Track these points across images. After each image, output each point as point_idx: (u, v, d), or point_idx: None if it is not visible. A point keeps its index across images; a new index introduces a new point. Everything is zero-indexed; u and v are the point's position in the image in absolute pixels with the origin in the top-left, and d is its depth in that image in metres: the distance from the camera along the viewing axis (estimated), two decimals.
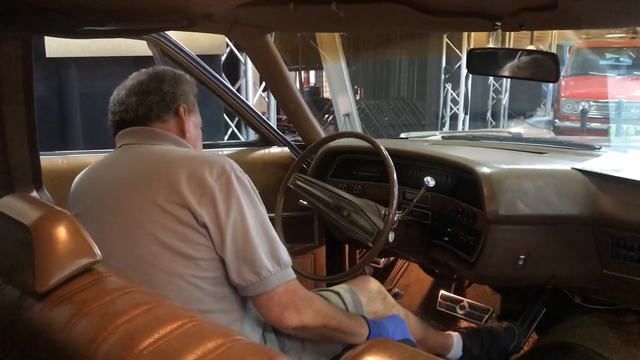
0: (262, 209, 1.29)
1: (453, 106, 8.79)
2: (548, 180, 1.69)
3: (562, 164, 1.79)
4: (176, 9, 1.40)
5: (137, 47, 3.16)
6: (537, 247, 1.68)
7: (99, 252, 1.05)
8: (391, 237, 1.71)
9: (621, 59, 9.97)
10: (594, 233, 1.69)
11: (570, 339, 1.95)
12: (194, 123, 1.46)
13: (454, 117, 8.84)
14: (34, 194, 1.61)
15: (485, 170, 1.67)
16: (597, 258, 1.72)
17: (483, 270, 1.71)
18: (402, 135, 2.74)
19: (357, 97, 9.92)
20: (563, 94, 8.82)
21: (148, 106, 1.37)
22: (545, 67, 1.38)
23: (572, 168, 1.73)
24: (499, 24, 1.36)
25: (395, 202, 1.62)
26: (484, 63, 1.59)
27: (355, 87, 9.98)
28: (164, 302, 0.94)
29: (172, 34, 2.21)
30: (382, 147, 1.73)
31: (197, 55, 2.37)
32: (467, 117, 8.88)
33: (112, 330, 0.87)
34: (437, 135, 2.58)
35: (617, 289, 1.77)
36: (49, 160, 2.00)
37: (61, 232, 1.01)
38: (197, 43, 3.09)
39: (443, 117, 8.79)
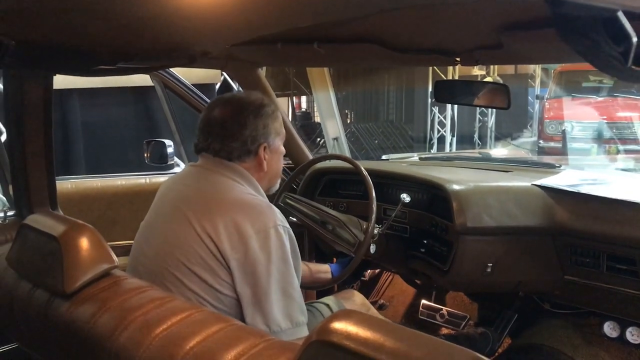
0: (292, 267, 1.38)
1: (440, 129, 9.06)
2: (510, 195, 1.88)
3: (524, 180, 1.98)
4: (178, 48, 1.59)
5: (137, 78, 3.37)
6: (503, 256, 1.87)
7: (116, 259, 1.23)
8: (372, 248, 1.90)
9: (604, 81, 10.25)
10: (553, 242, 1.88)
11: (539, 341, 2.13)
12: (276, 155, 1.54)
13: (442, 140, 9.10)
14: None
15: (455, 187, 1.87)
16: (558, 265, 1.90)
17: (456, 277, 1.89)
18: (384, 157, 2.94)
19: (348, 121, 10.17)
20: (546, 116, 9.10)
21: (229, 151, 1.46)
22: (499, 96, 1.59)
23: (532, 184, 1.93)
24: (458, 59, 1.57)
25: (374, 216, 1.81)
26: (448, 93, 1.81)
27: (346, 111, 10.25)
28: (175, 298, 1.12)
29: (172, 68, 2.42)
30: (362, 168, 1.92)
31: (194, 85, 2.58)
32: (454, 139, 9.14)
33: (131, 321, 1.05)
34: (414, 157, 2.79)
35: (579, 294, 1.95)
36: (59, 184, 2.18)
37: (85, 242, 1.19)
38: (193, 74, 3.30)
39: (431, 140, 9.05)
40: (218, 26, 1.28)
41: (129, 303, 1.11)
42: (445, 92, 1.81)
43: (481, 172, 2.22)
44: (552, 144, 8.82)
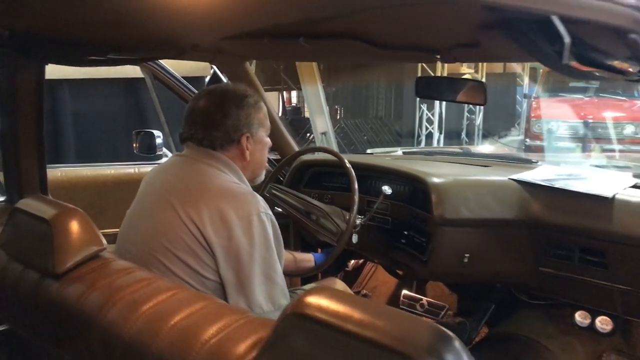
0: (274, 252, 1.44)
1: (428, 126, 9.15)
2: (488, 188, 1.95)
3: (501, 175, 2.05)
4: (168, 41, 1.64)
5: (127, 70, 3.40)
6: (480, 247, 1.93)
7: (105, 242, 1.28)
8: (355, 238, 1.96)
9: (591, 82, 10.36)
10: (528, 234, 1.95)
11: (514, 330, 2.20)
12: (259, 145, 1.59)
13: (430, 137, 9.20)
14: None
15: (435, 180, 1.93)
16: (533, 257, 1.97)
17: (434, 267, 1.96)
18: (368, 151, 3.01)
19: (338, 117, 10.24)
20: (533, 115, 9.22)
21: (212, 140, 1.51)
22: (476, 93, 1.66)
23: (509, 178, 2.00)
24: (438, 56, 1.63)
25: (355, 207, 1.87)
26: (428, 89, 1.87)
27: (336, 107, 10.31)
28: (160, 279, 1.17)
29: (162, 60, 2.46)
30: (346, 160, 1.98)
31: (184, 77, 2.63)
32: (442, 136, 9.24)
33: (118, 299, 1.10)
34: (398, 151, 2.85)
35: (553, 285, 2.02)
36: (49, 172, 2.21)
37: (75, 225, 1.24)
38: (183, 66, 3.32)
39: (419, 136, 9.14)
40: (207, 20, 1.33)
41: (117, 283, 1.16)
42: (426, 88, 1.88)
43: (461, 166, 2.29)
44: (538, 143, 8.94)
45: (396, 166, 2.17)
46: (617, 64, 0.60)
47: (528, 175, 2.00)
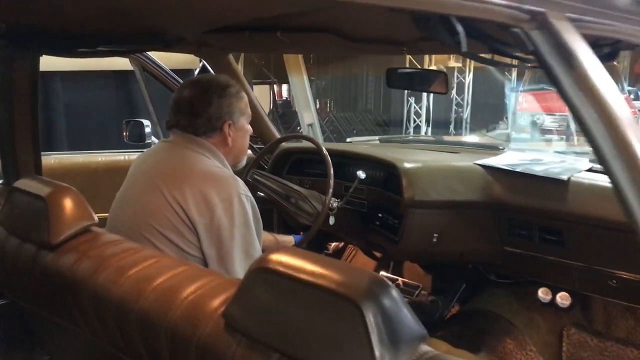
0: (253, 231, 1.56)
1: (416, 119, 9.30)
2: (454, 172, 2.09)
3: (468, 160, 2.19)
4: (155, 34, 1.76)
5: (117, 62, 3.51)
6: (447, 227, 2.07)
7: (96, 218, 1.41)
8: (332, 220, 2.10)
9: None
10: (492, 215, 2.08)
11: (482, 307, 2.35)
12: (241, 132, 1.69)
13: (418, 129, 9.35)
14: None
15: (405, 165, 2.07)
16: (498, 237, 2.11)
17: (405, 247, 2.09)
18: (348, 139, 3.15)
19: (327, 110, 10.36)
20: (519, 108, 9.39)
21: (196, 127, 1.63)
22: (440, 83, 1.80)
23: (474, 163, 2.14)
24: (405, 49, 1.76)
25: (331, 190, 2.00)
26: (398, 79, 2.01)
27: (325, 100, 10.43)
28: (146, 248, 1.30)
29: (151, 52, 2.58)
30: (323, 147, 2.11)
31: (173, 70, 2.75)
32: (430, 129, 9.40)
33: (107, 266, 1.23)
34: (375, 140, 2.99)
35: (517, 263, 2.16)
36: (43, 159, 2.33)
37: (68, 202, 1.36)
38: (173, 59, 3.44)
39: (407, 129, 9.29)
40: (191, 14, 1.45)
41: (106, 252, 1.28)
42: (396, 79, 2.02)
43: (431, 153, 2.43)
44: (523, 135, 9.12)
45: (371, 152, 2.30)
46: (516, 52, 0.74)
47: (492, 161, 2.14)
